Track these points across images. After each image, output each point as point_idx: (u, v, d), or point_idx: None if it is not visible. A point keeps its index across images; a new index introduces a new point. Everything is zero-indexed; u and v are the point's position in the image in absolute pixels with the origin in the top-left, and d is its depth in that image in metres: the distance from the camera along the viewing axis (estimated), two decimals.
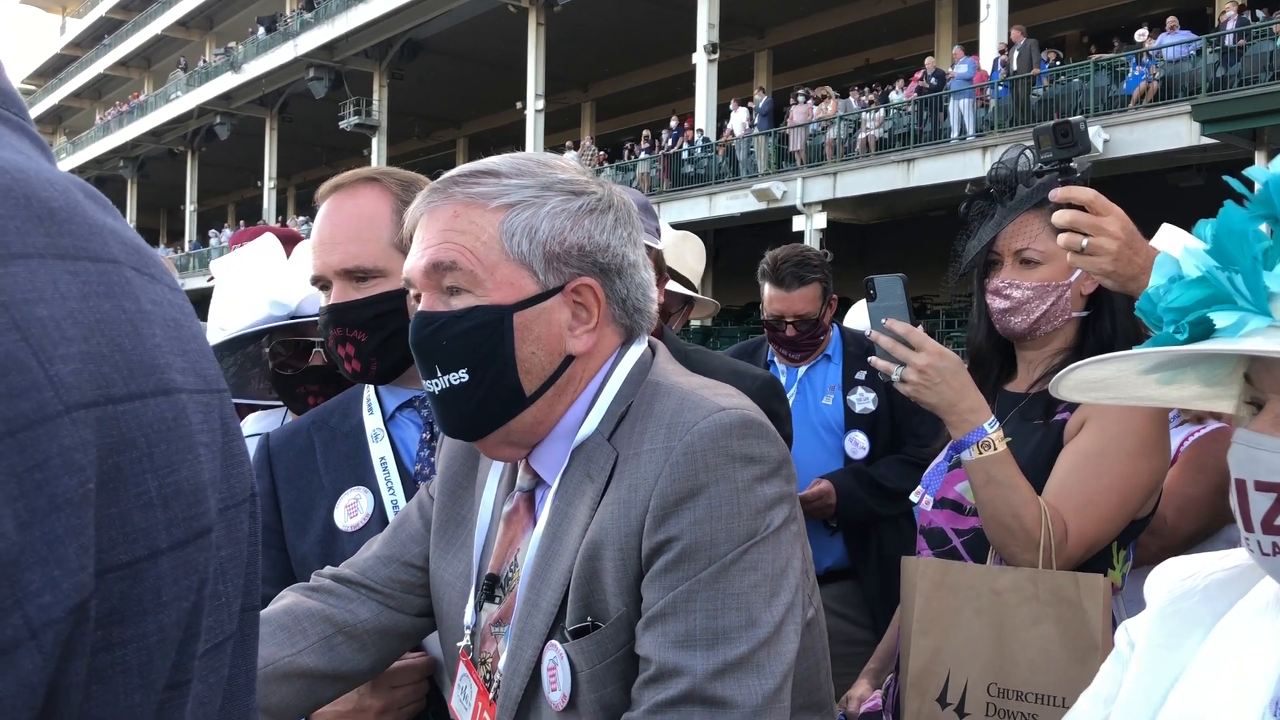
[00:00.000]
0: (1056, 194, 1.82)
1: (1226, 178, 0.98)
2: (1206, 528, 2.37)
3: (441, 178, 1.28)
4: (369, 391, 1.77)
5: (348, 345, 1.67)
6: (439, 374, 1.23)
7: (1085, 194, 1.80)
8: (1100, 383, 1.14)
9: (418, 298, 1.26)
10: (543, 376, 1.23)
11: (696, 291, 3.27)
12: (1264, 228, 0.94)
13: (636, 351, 1.30)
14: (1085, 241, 1.78)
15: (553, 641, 1.20)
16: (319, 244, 1.69)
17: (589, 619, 1.18)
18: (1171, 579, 1.14)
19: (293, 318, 2.10)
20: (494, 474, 1.39)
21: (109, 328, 0.51)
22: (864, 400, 3.49)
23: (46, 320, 0.47)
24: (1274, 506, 0.92)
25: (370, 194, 1.69)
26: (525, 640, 1.22)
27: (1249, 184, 0.95)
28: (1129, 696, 1.08)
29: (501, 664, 1.26)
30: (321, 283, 1.70)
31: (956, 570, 1.87)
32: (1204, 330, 0.94)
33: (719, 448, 1.14)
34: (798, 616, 1.18)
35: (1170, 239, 2.33)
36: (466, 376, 1.21)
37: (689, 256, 3.32)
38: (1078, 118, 1.92)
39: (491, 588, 1.31)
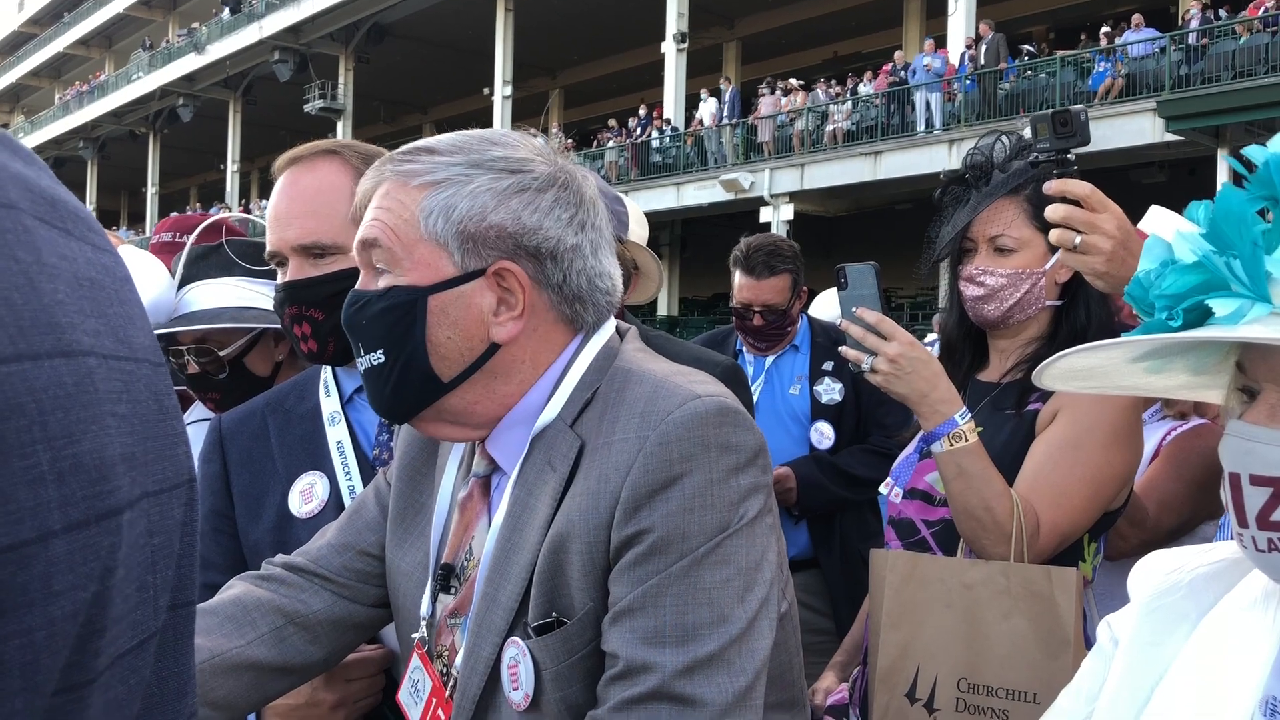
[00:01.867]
0: (1051, 186, 1.76)
1: (1228, 158, 0.93)
2: (1188, 523, 2.36)
3: (385, 155, 1.24)
4: (326, 373, 1.72)
5: (304, 324, 1.61)
6: (363, 353, 1.20)
7: (1082, 188, 1.73)
8: (1086, 371, 1.10)
9: None
10: (462, 363, 1.18)
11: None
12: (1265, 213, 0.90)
13: (602, 337, 1.25)
14: (1078, 239, 1.72)
15: (514, 638, 1.15)
16: (275, 219, 1.63)
17: (553, 615, 1.13)
18: (1156, 573, 1.11)
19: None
20: (453, 459, 1.33)
21: None
22: (830, 391, 3.46)
23: None
24: (1270, 501, 0.89)
25: (329, 167, 1.64)
26: (484, 637, 1.17)
27: (1249, 165, 0.91)
28: (1113, 693, 1.05)
29: (458, 660, 1.21)
30: (277, 259, 1.64)
31: (926, 563, 1.84)
32: (1199, 317, 0.90)
33: (695, 436, 1.09)
34: (772, 612, 1.13)
35: (1160, 222, 2.29)
36: (382, 358, 1.18)
37: (630, 221, 3.27)
38: (1079, 107, 1.86)
39: (447, 578, 1.26)
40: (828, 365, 3.47)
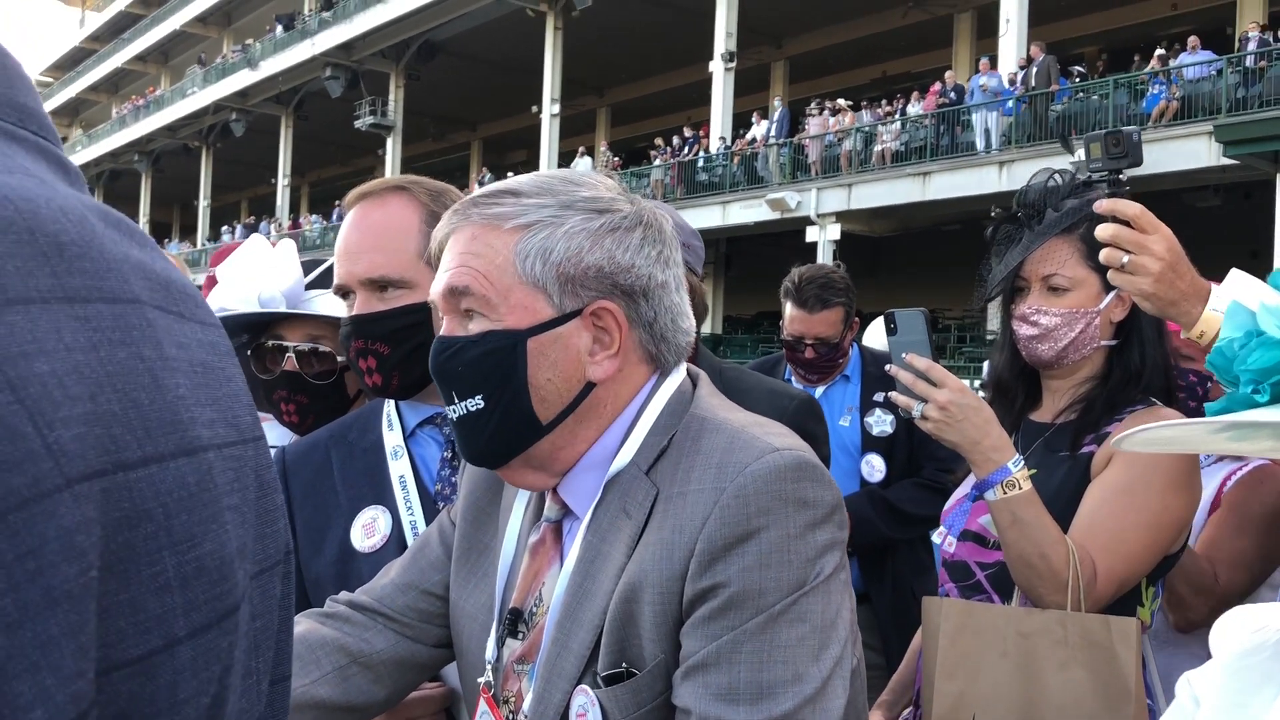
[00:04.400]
0: (1101, 205, 1.75)
1: None
2: (1258, 578, 2.26)
3: (464, 199, 1.24)
4: (389, 407, 1.72)
5: (369, 358, 1.62)
6: (456, 400, 1.19)
7: (1132, 208, 1.72)
8: (1169, 440, 1.08)
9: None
10: (560, 404, 1.18)
11: None
12: None
13: (675, 380, 1.24)
14: (1126, 259, 1.71)
15: (583, 686, 1.14)
16: (344, 252, 1.64)
17: (624, 665, 1.12)
18: (1240, 630, 1.08)
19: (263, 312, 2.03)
20: (520, 501, 1.33)
21: (123, 380, 0.44)
22: (881, 422, 3.44)
23: (47, 376, 0.41)
24: None
25: (398, 203, 1.65)
26: (553, 683, 1.16)
27: None
28: None
29: (526, 706, 1.20)
30: (344, 291, 1.66)
31: (981, 612, 1.81)
32: None
33: (772, 491, 1.08)
34: (846, 670, 1.11)
35: (1241, 287, 2.27)
36: (481, 403, 1.17)
37: None
38: (1132, 128, 1.85)
39: (515, 623, 1.25)
40: (879, 396, 3.44)
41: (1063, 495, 1.86)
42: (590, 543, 1.18)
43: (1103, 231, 1.73)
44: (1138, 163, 1.82)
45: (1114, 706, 1.67)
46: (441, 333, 1.21)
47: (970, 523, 1.97)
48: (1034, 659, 1.73)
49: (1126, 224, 1.72)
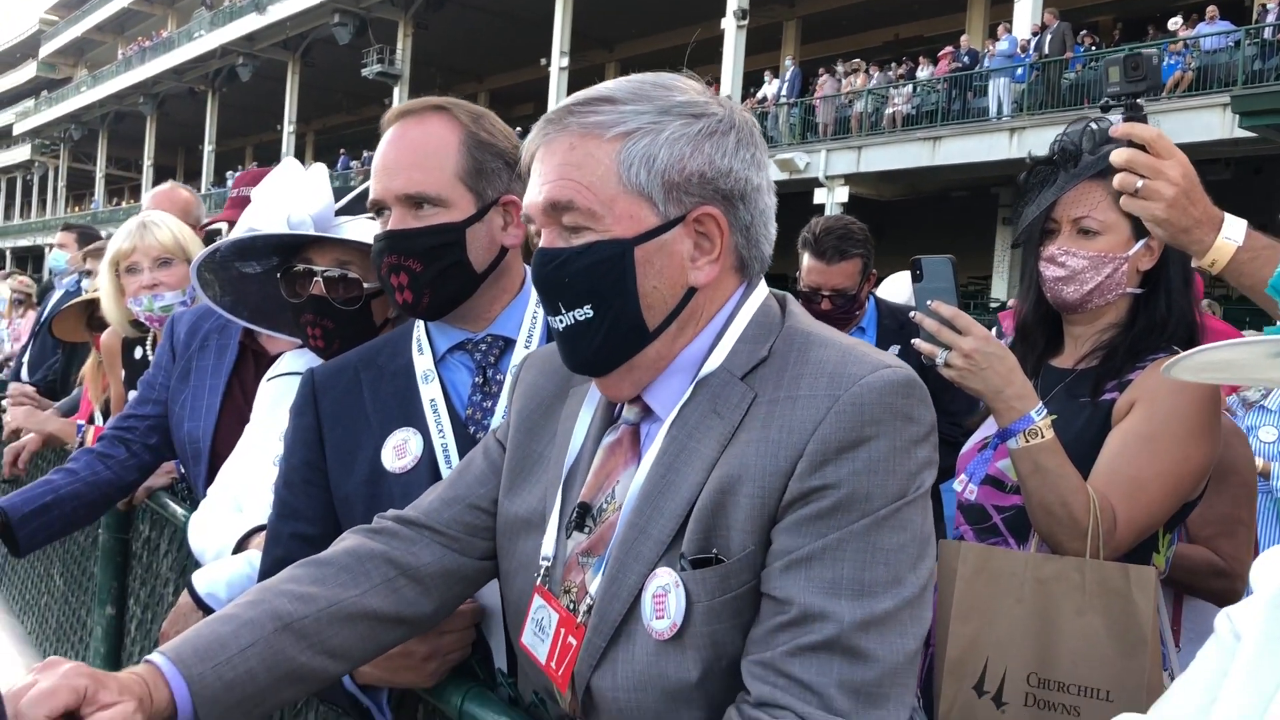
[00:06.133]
0: (1118, 129, 1.74)
1: None
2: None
3: (556, 106, 1.23)
4: (419, 331, 1.72)
5: (401, 274, 1.62)
6: (563, 310, 1.22)
7: (1148, 132, 1.71)
8: (1223, 364, 1.07)
9: (538, 233, 1.24)
10: (666, 310, 1.21)
11: None
12: None
13: (761, 293, 1.27)
14: (1141, 184, 1.70)
15: (666, 569, 1.16)
16: (381, 168, 1.64)
17: (714, 551, 1.14)
18: None
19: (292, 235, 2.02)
20: (587, 408, 1.35)
21: None
22: None
23: None
24: None
25: (438, 122, 1.65)
26: (629, 566, 1.18)
27: None
28: (1238, 688, 1.02)
29: (593, 589, 1.22)
30: (379, 207, 1.65)
31: (998, 556, 1.82)
32: None
33: (884, 403, 1.11)
34: (932, 586, 1.14)
35: None
36: (590, 313, 1.20)
37: None
38: (1151, 51, 1.83)
39: (583, 517, 1.27)
40: (894, 349, 3.42)
41: (1083, 442, 1.86)
42: (676, 438, 1.20)
43: (1118, 156, 1.72)
44: (1157, 87, 1.80)
45: (1129, 654, 1.67)
46: (542, 244, 1.22)
47: (988, 466, 1.97)
48: (1050, 604, 1.73)
49: (1143, 149, 1.70)
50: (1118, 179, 1.72)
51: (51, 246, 6.78)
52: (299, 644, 1.24)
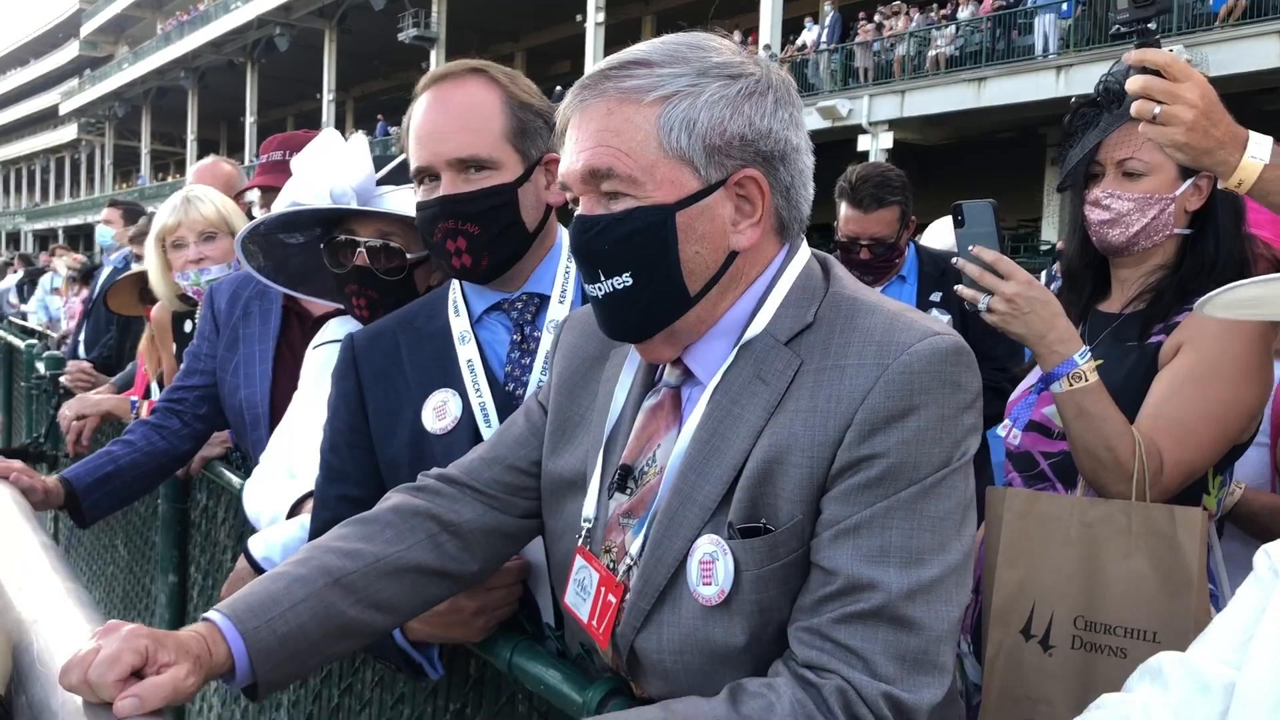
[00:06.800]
0: (1130, 57, 1.69)
1: None
2: None
3: (592, 70, 1.22)
4: (455, 293, 1.74)
5: (459, 239, 1.63)
6: (602, 278, 1.21)
7: (1162, 57, 1.66)
8: (1255, 300, 1.06)
9: (575, 201, 1.24)
10: (707, 275, 1.20)
11: None
12: None
13: (803, 257, 1.26)
14: (1158, 109, 1.65)
15: (715, 536, 1.16)
16: (428, 134, 1.64)
17: (762, 520, 1.14)
18: None
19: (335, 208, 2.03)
20: (629, 370, 1.35)
21: None
22: None
23: None
24: None
25: (478, 84, 1.66)
26: (675, 531, 1.19)
27: None
28: (1277, 623, 1.02)
29: (634, 550, 1.23)
30: (428, 174, 1.66)
31: (1044, 501, 1.81)
32: None
33: (934, 371, 1.11)
34: (975, 550, 1.15)
35: None
36: (630, 280, 1.19)
37: None
38: None
39: (625, 479, 1.28)
40: (935, 296, 3.39)
41: (1130, 385, 1.84)
42: (720, 403, 1.20)
43: (1133, 83, 1.67)
44: (1166, 10, 1.75)
45: (1175, 595, 1.67)
46: (580, 211, 1.22)
47: (1035, 413, 1.96)
48: (1097, 548, 1.72)
49: (1157, 74, 1.66)
50: (1135, 107, 1.68)
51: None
52: (348, 598, 1.27)
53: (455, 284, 1.75)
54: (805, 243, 1.28)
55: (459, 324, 1.70)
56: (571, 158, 1.20)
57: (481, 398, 1.65)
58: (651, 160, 1.16)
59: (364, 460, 1.68)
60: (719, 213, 1.18)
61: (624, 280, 1.19)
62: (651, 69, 1.17)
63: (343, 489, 1.67)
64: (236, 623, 1.19)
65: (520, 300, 1.71)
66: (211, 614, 1.20)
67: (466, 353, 1.68)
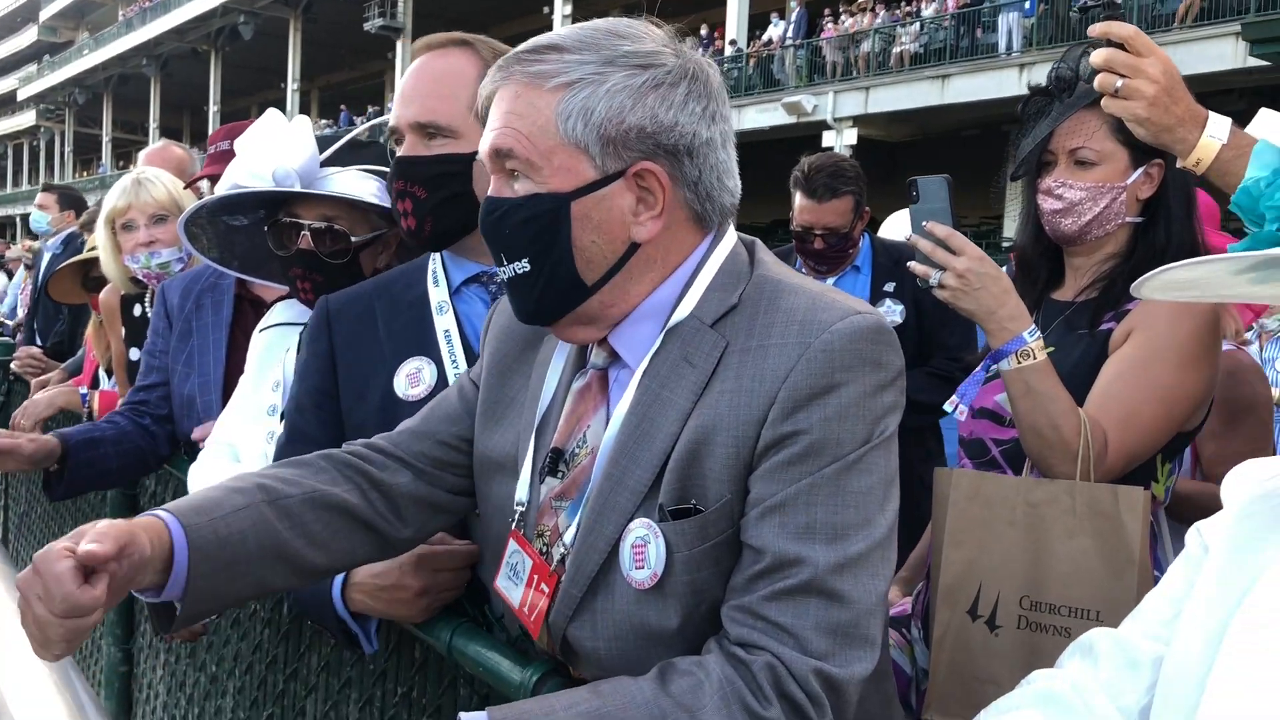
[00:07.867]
0: (1095, 29, 1.70)
1: None
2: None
3: (509, 54, 1.22)
4: (435, 262, 1.75)
5: (407, 200, 1.66)
6: (505, 261, 1.22)
7: (1125, 30, 1.67)
8: (1188, 282, 1.06)
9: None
10: (604, 265, 1.20)
11: None
12: None
13: (729, 243, 1.26)
14: (1120, 83, 1.66)
15: (645, 520, 1.17)
16: (400, 97, 1.69)
17: (692, 502, 1.15)
18: (1250, 480, 1.08)
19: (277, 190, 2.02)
20: (561, 352, 1.35)
21: None
22: (891, 313, 3.41)
23: None
24: None
25: (459, 56, 1.69)
26: (606, 516, 1.19)
27: None
28: (1204, 598, 1.03)
29: (567, 537, 1.23)
30: (396, 135, 1.70)
31: (990, 482, 1.82)
32: None
33: (855, 349, 1.11)
34: (897, 526, 1.16)
35: (1270, 127, 2.21)
36: (528, 266, 1.19)
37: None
38: None
39: (556, 462, 1.28)
40: (889, 286, 3.40)
41: (1080, 372, 1.85)
42: (648, 387, 1.19)
43: (1096, 57, 1.68)
44: None
45: (1118, 574, 1.68)
46: (489, 193, 1.22)
47: (985, 400, 1.96)
48: (1042, 528, 1.73)
49: (1121, 48, 1.67)
50: (1098, 80, 1.69)
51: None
52: (283, 520, 1.26)
53: (435, 255, 1.76)
54: (732, 228, 1.28)
55: (437, 294, 1.71)
56: (485, 137, 1.21)
57: (458, 368, 1.65)
58: (549, 146, 1.16)
59: (329, 423, 1.68)
60: (618, 203, 1.18)
61: (523, 266, 1.19)
62: (561, 55, 1.17)
63: (304, 450, 1.66)
64: (180, 516, 1.18)
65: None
66: (157, 510, 1.19)
67: (444, 323, 1.69)
